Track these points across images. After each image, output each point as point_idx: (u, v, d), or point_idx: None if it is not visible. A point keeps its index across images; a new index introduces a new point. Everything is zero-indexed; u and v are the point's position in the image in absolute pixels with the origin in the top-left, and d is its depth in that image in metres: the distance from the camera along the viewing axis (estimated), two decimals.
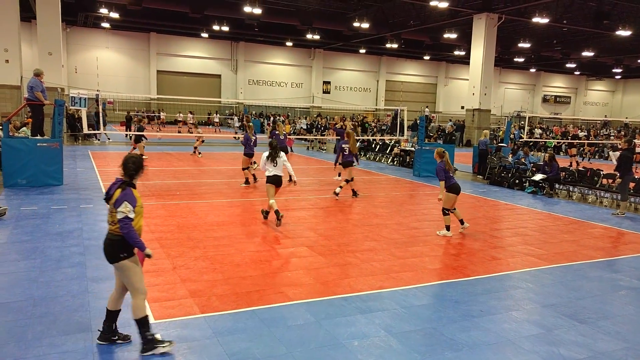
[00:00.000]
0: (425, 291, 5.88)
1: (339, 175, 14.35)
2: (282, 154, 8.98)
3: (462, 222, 8.84)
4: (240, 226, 8.67)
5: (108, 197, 4.19)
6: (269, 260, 6.73)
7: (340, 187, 11.56)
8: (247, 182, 12.76)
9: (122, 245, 4.13)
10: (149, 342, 4.15)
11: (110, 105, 36.12)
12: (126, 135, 24.34)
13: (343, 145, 11.59)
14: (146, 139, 17.49)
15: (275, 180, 8.76)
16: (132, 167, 4.21)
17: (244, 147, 12.80)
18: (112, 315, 4.33)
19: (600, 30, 28.34)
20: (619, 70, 47.88)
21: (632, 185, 11.94)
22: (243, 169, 12.83)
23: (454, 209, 8.75)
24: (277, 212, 8.61)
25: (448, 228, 8.55)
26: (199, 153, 19.14)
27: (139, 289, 4.22)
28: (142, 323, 4.19)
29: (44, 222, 8.12)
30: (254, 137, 12.72)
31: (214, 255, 6.81)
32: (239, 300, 5.31)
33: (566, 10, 26.72)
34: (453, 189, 8.52)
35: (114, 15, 29.18)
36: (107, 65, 38.57)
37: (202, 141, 20.15)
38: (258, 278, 6.03)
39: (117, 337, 4.33)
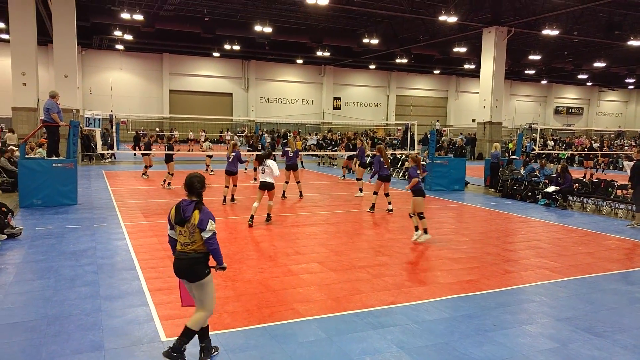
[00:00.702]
0: (438, 306, 5.83)
1: (360, 190, 14.38)
2: (268, 161, 10.04)
3: (416, 228, 9.06)
4: (251, 242, 8.70)
5: (184, 220, 4.21)
6: (280, 277, 6.74)
7: (373, 203, 11.98)
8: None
9: (206, 261, 4.31)
10: (178, 352, 4.22)
11: (124, 125, 36.66)
12: (135, 154, 24.65)
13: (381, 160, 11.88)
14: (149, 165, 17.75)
15: (263, 186, 10.07)
16: (199, 185, 4.32)
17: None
18: (205, 332, 4.43)
19: (612, 40, 28.21)
20: (632, 81, 47.49)
21: None
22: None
23: (414, 214, 9.05)
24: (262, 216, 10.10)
25: (426, 231, 8.92)
26: (211, 171, 19.25)
27: (211, 305, 4.39)
28: (190, 335, 4.29)
29: (58, 242, 8.23)
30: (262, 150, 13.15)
31: (225, 272, 6.80)
32: (250, 317, 5.32)
33: (576, 22, 26.69)
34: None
35: (128, 37, 29.79)
36: (121, 86, 39.27)
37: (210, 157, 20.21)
38: (269, 294, 6.04)
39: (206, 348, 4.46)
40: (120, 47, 35.68)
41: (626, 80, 47.51)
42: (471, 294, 6.28)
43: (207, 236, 4.25)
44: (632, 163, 15.42)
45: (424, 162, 18.14)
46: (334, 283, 6.53)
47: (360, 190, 14.50)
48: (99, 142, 15.26)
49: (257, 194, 10.16)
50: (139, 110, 38.50)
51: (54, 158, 11.98)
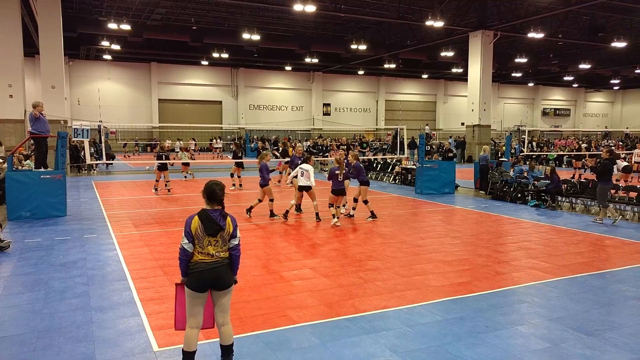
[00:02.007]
0: (430, 309, 5.85)
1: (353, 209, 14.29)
2: (305, 165, 11.33)
3: (334, 216, 10.58)
4: (243, 250, 8.65)
5: (217, 230, 4.14)
6: (272, 284, 6.72)
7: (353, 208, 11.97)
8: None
9: (232, 269, 4.31)
10: None
11: (113, 135, 36.46)
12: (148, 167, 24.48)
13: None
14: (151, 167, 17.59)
15: (302, 188, 11.42)
16: (220, 192, 4.21)
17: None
18: (230, 349, 4.35)
19: (596, 42, 28.64)
20: (617, 82, 48.18)
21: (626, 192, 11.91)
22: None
23: (339, 206, 10.81)
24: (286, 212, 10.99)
25: (334, 216, 10.51)
26: (190, 174, 19.85)
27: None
28: (232, 349, 4.31)
29: (47, 254, 8.15)
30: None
31: None
32: (242, 325, 5.29)
33: (561, 25, 27.06)
34: (335, 192, 10.81)
35: (116, 47, 29.72)
36: (109, 96, 39.09)
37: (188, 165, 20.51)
38: (261, 302, 6.02)
39: None
40: (108, 57, 35.59)
41: (611, 81, 48.18)
42: (463, 296, 6.31)
43: (237, 243, 4.28)
44: (619, 162, 15.72)
45: (413, 166, 18.28)
46: (327, 289, 6.52)
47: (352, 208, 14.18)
48: (88, 153, 15.16)
49: (295, 195, 11.59)
50: (128, 120, 38.33)
51: (42, 170, 11.88)
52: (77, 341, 4.86)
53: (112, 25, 25.06)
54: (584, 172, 22.80)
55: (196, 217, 4.12)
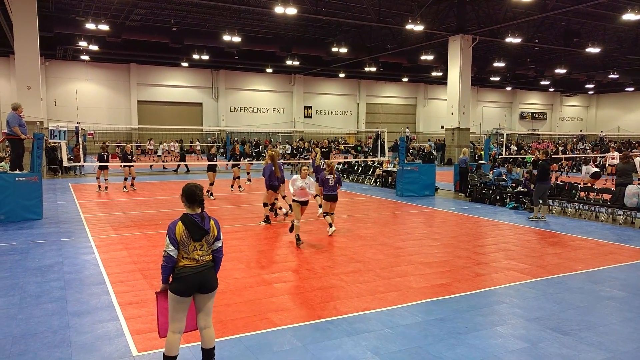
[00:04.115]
0: (411, 310, 5.89)
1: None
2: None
3: (330, 225, 10.17)
4: (224, 253, 8.59)
5: (203, 235, 4.10)
6: (253, 287, 6.69)
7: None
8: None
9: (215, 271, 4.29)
10: None
11: (91, 137, 35.87)
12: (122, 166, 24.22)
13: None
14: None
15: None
16: (200, 193, 4.16)
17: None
18: (211, 353, 4.29)
19: (571, 48, 29.24)
20: (592, 86, 49.30)
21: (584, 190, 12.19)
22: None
23: (332, 213, 10.35)
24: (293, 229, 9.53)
25: (331, 225, 10.15)
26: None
27: None
28: (213, 352, 4.29)
29: (23, 258, 7.97)
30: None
31: None
32: (223, 329, 5.26)
33: (537, 30, 27.58)
34: (327, 197, 10.25)
35: (94, 47, 29.21)
36: (87, 97, 38.42)
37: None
38: (242, 305, 5.99)
39: None
40: (85, 57, 34.96)
41: (586, 86, 49.27)
42: (443, 297, 6.37)
43: (220, 245, 4.27)
44: (589, 166, 16.07)
45: (394, 168, 18.41)
46: (308, 291, 6.52)
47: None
48: (65, 155, 14.87)
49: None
50: (107, 121, 37.74)
51: (17, 172, 11.62)
52: (54, 347, 4.77)
53: (90, 26, 24.64)
54: (560, 174, 23.25)
55: (180, 223, 4.06)
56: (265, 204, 11.35)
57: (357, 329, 5.30)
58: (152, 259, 8.01)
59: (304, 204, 9.40)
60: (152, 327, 5.24)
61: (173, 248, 4.01)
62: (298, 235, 9.16)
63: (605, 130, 50.23)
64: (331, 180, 10.18)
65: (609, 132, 49.60)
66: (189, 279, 4.05)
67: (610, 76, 41.36)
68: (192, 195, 4.11)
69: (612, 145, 33.89)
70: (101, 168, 16.52)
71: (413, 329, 5.36)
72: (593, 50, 27.86)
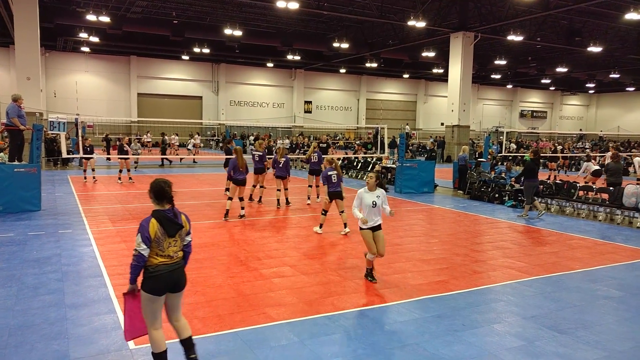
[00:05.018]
0: (408, 307, 5.90)
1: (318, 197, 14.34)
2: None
3: (345, 225, 9.86)
4: (222, 247, 8.62)
5: (177, 230, 4.05)
6: (251, 281, 6.69)
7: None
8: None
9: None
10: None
11: (91, 129, 35.81)
12: (108, 159, 24.14)
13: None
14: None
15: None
16: (169, 190, 4.07)
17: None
18: (190, 340, 4.26)
19: (573, 46, 29.20)
20: (592, 85, 49.26)
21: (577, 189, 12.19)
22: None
23: (342, 211, 9.91)
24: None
25: (321, 226, 9.78)
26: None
27: None
28: (192, 340, 4.26)
29: (20, 249, 7.96)
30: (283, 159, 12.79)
31: (196, 277, 6.75)
32: (221, 323, 5.26)
33: (539, 28, 27.51)
34: (331, 194, 9.85)
35: (94, 39, 29.14)
36: (86, 89, 38.34)
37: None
38: (240, 299, 5.99)
39: None
40: (86, 49, 34.86)
41: (587, 85, 49.25)
42: (441, 294, 6.38)
43: (190, 239, 4.19)
44: (590, 164, 16.06)
45: (393, 165, 18.41)
46: (306, 286, 6.53)
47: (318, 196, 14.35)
48: (64, 146, 14.83)
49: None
50: (106, 114, 37.65)
51: (16, 163, 11.60)
52: (51, 338, 4.77)
53: (91, 17, 24.57)
54: (559, 173, 23.25)
55: (153, 220, 3.94)
56: (229, 199, 11.01)
57: (354, 325, 5.31)
58: None
59: (376, 228, 6.68)
60: None
61: (145, 247, 3.88)
62: (370, 270, 6.85)
63: (604, 130, 50.21)
64: (334, 177, 9.97)
65: (608, 131, 49.59)
66: (164, 277, 3.97)
67: (611, 75, 41.33)
68: (161, 192, 4.02)
69: (612, 144, 33.89)
70: (86, 159, 17.04)
71: (410, 325, 5.37)
72: (595, 49, 27.83)
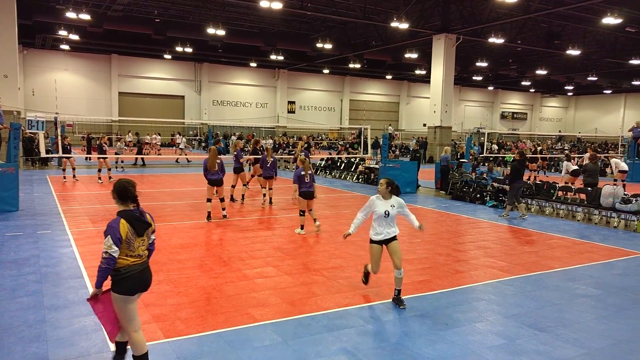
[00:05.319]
0: (391, 306, 5.93)
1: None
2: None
3: (315, 220, 9.99)
4: (205, 248, 8.56)
5: (146, 228, 4.00)
6: (234, 282, 6.66)
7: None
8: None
9: None
10: None
11: (70, 127, 35.24)
12: (86, 158, 23.76)
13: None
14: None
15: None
16: (133, 190, 4.00)
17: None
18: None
19: (552, 49, 29.72)
20: (571, 88, 50.25)
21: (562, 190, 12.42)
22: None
23: (310, 209, 9.96)
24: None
25: (302, 227, 9.76)
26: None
27: None
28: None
29: None
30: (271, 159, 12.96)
31: (178, 278, 6.69)
32: (204, 324, 5.22)
33: (520, 31, 27.93)
34: (303, 194, 9.81)
35: (74, 37, 28.69)
36: (66, 88, 37.72)
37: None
38: (223, 300, 5.95)
39: None
40: (65, 47, 34.33)
41: (565, 87, 50.20)
42: (424, 294, 6.43)
43: (154, 238, 4.17)
44: (570, 163, 16.35)
45: (376, 165, 18.50)
46: (289, 287, 6.52)
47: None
48: (43, 146, 14.58)
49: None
50: (86, 113, 37.11)
51: None
52: (29, 341, 4.68)
53: (71, 15, 24.17)
54: (538, 174, 23.61)
55: (123, 221, 3.87)
56: (208, 200, 10.81)
57: (337, 325, 5.32)
58: None
59: (390, 240, 6.05)
60: None
61: (116, 248, 3.79)
62: (366, 274, 6.47)
63: (583, 132, 51.20)
64: (307, 177, 9.99)
65: (586, 133, 50.57)
66: (137, 277, 3.94)
67: (589, 78, 42.19)
68: (125, 192, 3.96)
69: (589, 145, 34.57)
70: (66, 158, 16.97)
71: (393, 325, 5.40)
72: (573, 52, 28.36)
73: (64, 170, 17.29)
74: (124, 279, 3.89)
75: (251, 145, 15.00)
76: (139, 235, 3.94)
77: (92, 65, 38.82)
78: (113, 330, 4.05)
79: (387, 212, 5.86)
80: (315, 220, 10.06)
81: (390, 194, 5.97)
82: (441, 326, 5.38)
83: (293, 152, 25.13)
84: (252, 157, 15.10)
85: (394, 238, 6.00)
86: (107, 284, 3.95)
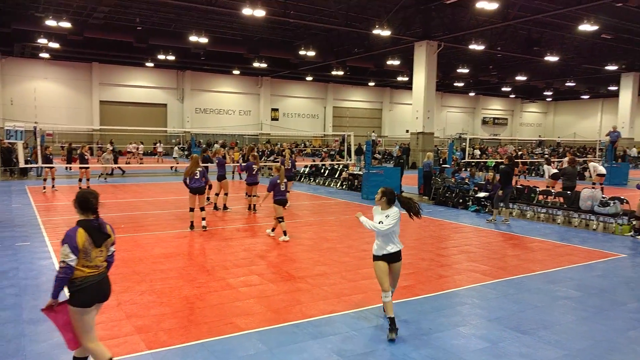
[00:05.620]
0: (376, 312, 5.95)
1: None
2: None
3: (274, 229, 10.13)
4: (188, 258, 8.49)
5: (105, 239, 3.96)
6: (218, 291, 6.61)
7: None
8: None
9: None
10: None
11: (50, 137, 34.71)
12: (67, 168, 23.42)
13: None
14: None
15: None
16: (94, 201, 3.98)
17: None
18: None
19: (531, 56, 30.23)
20: (550, 93, 51.17)
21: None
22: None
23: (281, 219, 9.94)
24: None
25: (285, 233, 9.79)
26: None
27: None
28: None
29: None
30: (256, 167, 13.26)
31: (161, 288, 6.63)
32: (187, 334, 5.18)
33: (500, 38, 28.38)
34: (279, 202, 9.92)
35: (54, 45, 28.32)
36: (46, 97, 37.15)
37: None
38: (207, 309, 5.91)
39: None
40: (45, 55, 33.86)
41: (545, 93, 51.08)
42: (408, 299, 6.46)
43: (114, 250, 4.12)
44: (550, 167, 16.63)
45: (360, 172, 18.57)
46: (274, 295, 6.50)
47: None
48: (22, 156, 14.34)
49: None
50: (67, 122, 36.61)
51: None
52: (8, 356, 4.59)
53: (51, 23, 23.88)
54: (519, 178, 23.94)
55: (81, 230, 3.85)
56: (191, 209, 10.67)
57: (322, 332, 5.31)
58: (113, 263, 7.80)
59: (395, 258, 5.47)
60: (113, 334, 5.12)
61: (74, 257, 3.75)
62: (392, 320, 5.31)
63: (562, 136, 52.09)
64: (282, 184, 10.04)
65: (565, 137, 51.46)
66: (94, 289, 3.89)
67: (567, 84, 43.03)
68: (86, 203, 3.94)
69: (569, 150, 35.19)
70: (48, 168, 16.74)
71: (378, 330, 5.41)
72: (552, 58, 28.90)
73: (44, 180, 17.01)
74: (79, 290, 3.84)
75: (246, 155, 15.03)
76: (97, 246, 3.90)
77: (73, 74, 38.34)
78: (73, 338, 3.98)
79: (380, 222, 5.31)
80: (274, 229, 10.14)
81: (387, 204, 5.43)
82: (425, 331, 5.41)
83: (277, 160, 25.08)
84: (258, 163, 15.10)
85: (396, 257, 5.41)
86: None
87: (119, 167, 23.35)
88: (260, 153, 28.12)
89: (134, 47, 30.71)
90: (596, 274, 7.91)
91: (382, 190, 5.52)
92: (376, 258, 5.41)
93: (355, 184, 18.90)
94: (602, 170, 18.28)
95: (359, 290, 6.76)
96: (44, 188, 16.74)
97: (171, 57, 32.59)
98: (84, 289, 3.84)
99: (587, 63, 32.84)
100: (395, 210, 5.38)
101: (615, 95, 38.91)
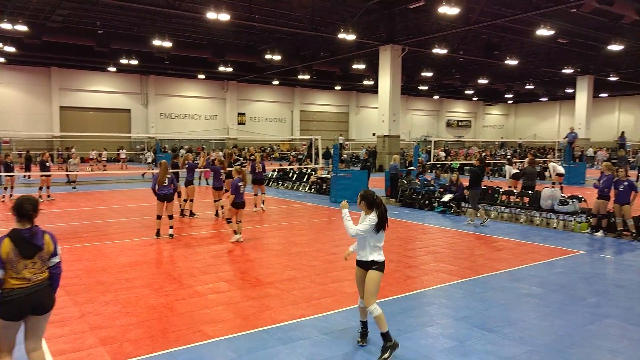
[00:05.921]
0: (345, 315, 5.97)
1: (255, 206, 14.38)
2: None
3: (235, 232, 10.09)
4: (154, 266, 8.32)
5: (35, 252, 3.78)
6: (185, 299, 6.50)
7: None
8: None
9: (53, 289, 4.00)
10: None
11: (7, 144, 33.48)
12: (25, 176, 22.62)
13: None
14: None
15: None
16: (30, 208, 3.83)
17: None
18: None
19: (492, 60, 31.07)
20: (511, 96, 52.74)
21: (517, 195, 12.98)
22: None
23: (240, 220, 10.11)
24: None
25: (235, 232, 10.01)
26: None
27: None
28: None
29: None
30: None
31: (127, 298, 6.47)
32: (154, 344, 5.07)
33: (462, 42, 29.04)
34: (237, 205, 9.94)
35: (10, 49, 27.34)
36: (1, 102, 35.82)
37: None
38: (175, 318, 5.80)
39: None
40: (0, 59, 32.65)
41: (506, 96, 52.61)
42: (377, 301, 6.49)
43: (58, 261, 3.97)
44: (511, 167, 17.10)
45: (328, 175, 18.64)
46: (242, 301, 6.44)
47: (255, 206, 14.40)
48: None
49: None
50: (24, 128, 35.42)
51: None
52: None
53: (6, 26, 23.01)
54: (482, 179, 24.52)
55: (7, 240, 3.72)
56: (158, 217, 10.43)
57: (292, 337, 5.30)
58: (75, 274, 7.58)
59: (365, 267, 5.21)
60: (75, 347, 4.97)
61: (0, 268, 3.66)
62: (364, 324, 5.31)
63: (523, 137, 53.65)
64: (242, 188, 10.07)
65: (526, 139, 53.03)
66: (21, 301, 3.75)
67: (526, 87, 44.39)
68: (19, 209, 3.82)
69: (529, 151, 36.29)
70: (8, 177, 16.33)
71: (348, 333, 5.43)
72: (511, 62, 29.76)
73: (5, 189, 16.42)
74: (5, 302, 3.71)
75: (226, 160, 14.76)
76: (24, 257, 3.74)
77: (30, 79, 37.09)
78: None
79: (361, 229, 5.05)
80: (235, 232, 10.06)
81: (368, 208, 5.11)
82: (394, 332, 5.45)
83: (244, 165, 24.88)
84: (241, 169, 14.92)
85: (370, 265, 5.07)
86: None
87: (67, 175, 22.22)
88: (237, 158, 27.91)
89: (95, 51, 29.97)
90: (557, 271, 8.17)
91: (360, 194, 5.16)
92: (357, 262, 5.26)
93: (324, 187, 18.95)
94: (561, 170, 18.91)
95: (328, 294, 6.78)
96: (3, 197, 16.13)
97: (134, 62, 31.95)
98: (10, 302, 3.70)
99: (544, 66, 33.97)
100: (371, 217, 5.04)
101: (572, 97, 40.44)
